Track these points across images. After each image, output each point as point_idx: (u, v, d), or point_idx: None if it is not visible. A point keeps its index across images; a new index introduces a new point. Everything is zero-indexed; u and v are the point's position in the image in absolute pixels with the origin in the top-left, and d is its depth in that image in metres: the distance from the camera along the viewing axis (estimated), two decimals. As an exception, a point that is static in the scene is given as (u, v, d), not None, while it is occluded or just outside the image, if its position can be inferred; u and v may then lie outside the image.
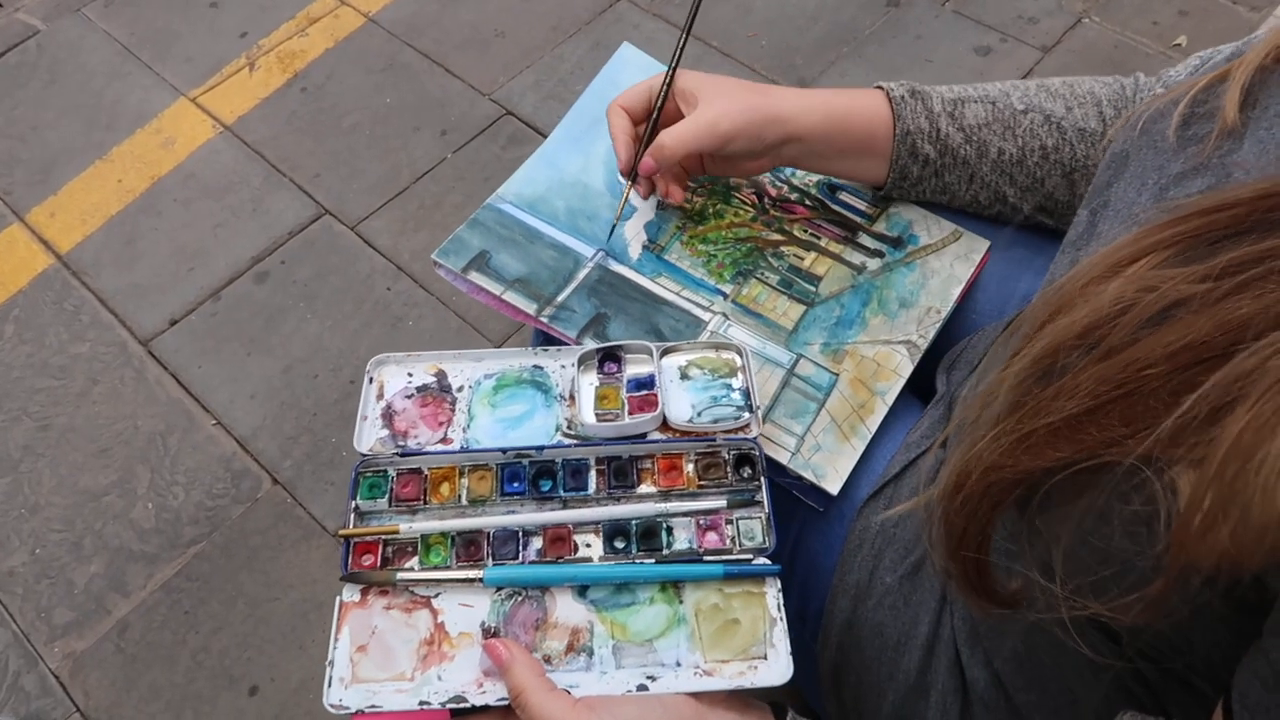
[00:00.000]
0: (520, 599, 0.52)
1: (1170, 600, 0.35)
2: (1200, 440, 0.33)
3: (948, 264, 0.66)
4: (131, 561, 1.11)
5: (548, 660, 0.50)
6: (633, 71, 0.72)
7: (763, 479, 0.55)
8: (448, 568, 0.53)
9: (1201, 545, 0.32)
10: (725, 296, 0.65)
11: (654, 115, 0.64)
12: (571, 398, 0.58)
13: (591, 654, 0.50)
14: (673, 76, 0.64)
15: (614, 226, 0.66)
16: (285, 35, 1.61)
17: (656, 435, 0.57)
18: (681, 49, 0.65)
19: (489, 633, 0.51)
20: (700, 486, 0.55)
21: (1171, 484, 0.34)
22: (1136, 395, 0.35)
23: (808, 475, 0.58)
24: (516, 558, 0.53)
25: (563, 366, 0.60)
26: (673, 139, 0.61)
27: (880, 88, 0.65)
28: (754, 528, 0.54)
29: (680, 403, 0.58)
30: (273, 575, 1.10)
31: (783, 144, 0.63)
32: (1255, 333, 0.33)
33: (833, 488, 0.58)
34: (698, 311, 0.64)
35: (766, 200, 0.70)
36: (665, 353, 0.60)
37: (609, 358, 0.60)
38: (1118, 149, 0.52)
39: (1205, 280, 0.35)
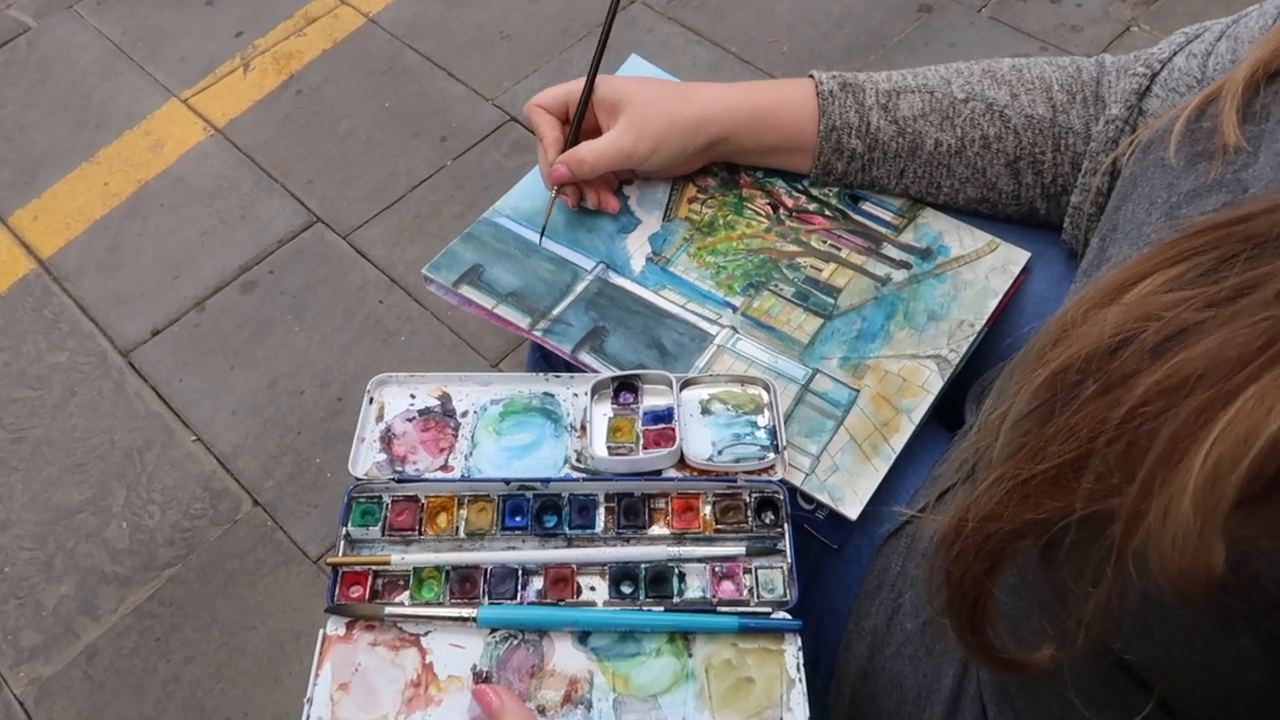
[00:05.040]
0: (516, 642, 0.49)
1: (1112, 613, 0.33)
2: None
3: (982, 276, 0.63)
4: (103, 583, 1.07)
5: (542, 711, 0.47)
6: None
7: (786, 526, 0.52)
8: (440, 604, 0.50)
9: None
10: (735, 309, 0.62)
11: (574, 125, 0.64)
12: (583, 428, 0.55)
13: (590, 707, 0.47)
14: (591, 87, 0.63)
15: (541, 234, 0.64)
16: (282, 35, 1.58)
17: (672, 473, 0.54)
18: (599, 57, 0.64)
19: (480, 677, 0.48)
20: (717, 530, 0.52)
21: None
22: (1133, 436, 0.32)
23: (823, 498, 0.54)
24: (514, 598, 0.50)
25: (575, 395, 0.57)
26: (594, 156, 0.61)
27: (812, 77, 0.64)
28: (774, 579, 0.50)
29: (700, 439, 0.54)
30: (250, 602, 1.05)
31: (709, 145, 0.63)
32: (1254, 369, 0.30)
33: (851, 512, 0.54)
34: (704, 325, 0.61)
35: (782, 211, 0.66)
36: (686, 385, 0.56)
37: (625, 387, 0.57)
38: (1126, 174, 0.51)
39: (1210, 306, 0.33)
